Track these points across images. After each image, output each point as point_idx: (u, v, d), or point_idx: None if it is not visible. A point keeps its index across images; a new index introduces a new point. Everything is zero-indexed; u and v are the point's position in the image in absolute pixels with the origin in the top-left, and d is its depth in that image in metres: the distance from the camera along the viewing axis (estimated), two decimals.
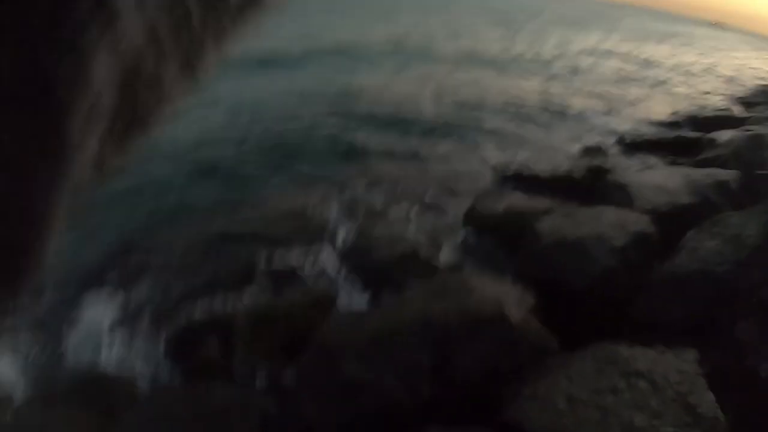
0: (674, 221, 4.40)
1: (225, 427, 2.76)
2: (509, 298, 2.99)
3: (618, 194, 4.78)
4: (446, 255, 4.43)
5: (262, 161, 7.28)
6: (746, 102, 13.23)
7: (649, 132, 8.90)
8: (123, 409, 3.21)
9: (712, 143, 7.17)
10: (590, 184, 4.70)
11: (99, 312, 4.47)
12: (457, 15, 31.66)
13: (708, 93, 15.63)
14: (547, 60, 18.58)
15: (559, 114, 10.44)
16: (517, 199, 4.50)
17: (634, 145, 7.71)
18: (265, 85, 10.53)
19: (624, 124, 9.99)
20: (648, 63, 22.68)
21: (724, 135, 7.39)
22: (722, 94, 15.32)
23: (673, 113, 11.20)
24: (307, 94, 10.26)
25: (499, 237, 4.25)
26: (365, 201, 6.07)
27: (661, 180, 5.18)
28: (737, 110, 11.43)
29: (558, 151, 7.38)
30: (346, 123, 8.97)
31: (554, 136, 8.92)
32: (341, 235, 5.38)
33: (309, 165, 7.25)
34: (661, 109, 11.80)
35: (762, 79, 20.76)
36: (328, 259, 5.01)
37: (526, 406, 2.64)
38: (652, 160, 7.11)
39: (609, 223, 4.00)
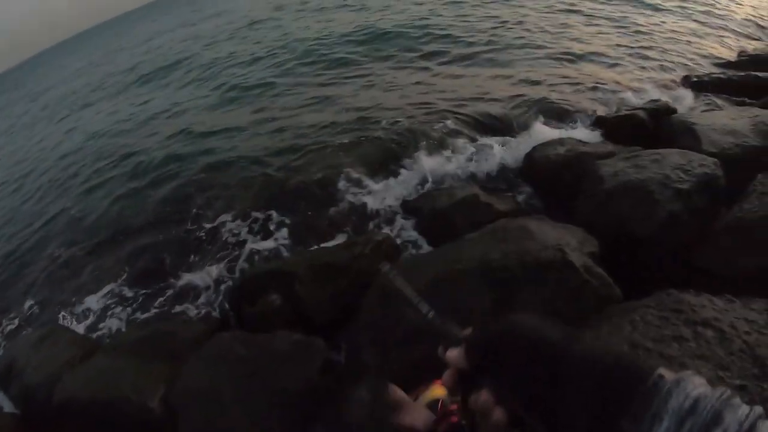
0: (743, 164, 4.12)
1: (286, 371, 2.82)
2: (571, 243, 2.87)
3: (683, 136, 4.47)
4: (506, 200, 4.28)
5: None
6: None
7: (716, 71, 8.20)
8: (188, 353, 3.32)
9: None
10: (655, 126, 4.41)
11: None
12: None
13: None
14: None
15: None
16: (578, 144, 4.27)
17: (700, 85, 7.17)
18: None
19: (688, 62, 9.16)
20: None
21: None
22: None
23: (741, 53, 10.33)
24: None
25: (559, 182, 4.07)
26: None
27: (728, 121, 4.83)
28: None
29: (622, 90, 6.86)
30: None
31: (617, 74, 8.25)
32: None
33: None
34: (725, 48, 10.86)
35: None
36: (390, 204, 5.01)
37: None
38: (719, 100, 6.64)
39: (674, 166, 3.76)
